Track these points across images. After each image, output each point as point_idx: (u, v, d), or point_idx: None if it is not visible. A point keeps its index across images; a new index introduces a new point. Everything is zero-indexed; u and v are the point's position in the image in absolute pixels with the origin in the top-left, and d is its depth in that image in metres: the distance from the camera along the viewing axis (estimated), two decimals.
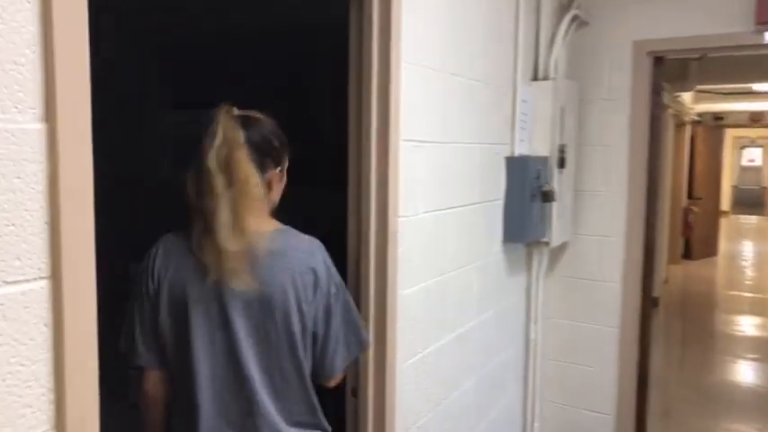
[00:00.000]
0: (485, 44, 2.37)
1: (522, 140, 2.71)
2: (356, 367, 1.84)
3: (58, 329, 0.93)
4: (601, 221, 3.10)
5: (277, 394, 1.40)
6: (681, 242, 9.45)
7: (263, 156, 1.41)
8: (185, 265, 1.38)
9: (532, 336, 3.01)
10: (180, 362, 1.39)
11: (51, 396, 0.94)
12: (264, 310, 1.36)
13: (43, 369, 0.93)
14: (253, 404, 1.37)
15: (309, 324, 1.40)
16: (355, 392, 1.86)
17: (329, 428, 1.51)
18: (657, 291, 6.08)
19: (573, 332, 3.19)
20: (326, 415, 1.49)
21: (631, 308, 3.07)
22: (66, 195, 0.92)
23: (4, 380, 0.88)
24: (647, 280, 3.12)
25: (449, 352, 2.23)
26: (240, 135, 1.35)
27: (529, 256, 2.96)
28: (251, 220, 1.33)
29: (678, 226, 8.93)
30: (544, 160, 2.77)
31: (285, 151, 1.48)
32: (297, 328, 1.37)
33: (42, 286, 0.91)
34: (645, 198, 3.04)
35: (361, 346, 1.52)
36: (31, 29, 0.89)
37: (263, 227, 1.40)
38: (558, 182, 2.84)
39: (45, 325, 0.92)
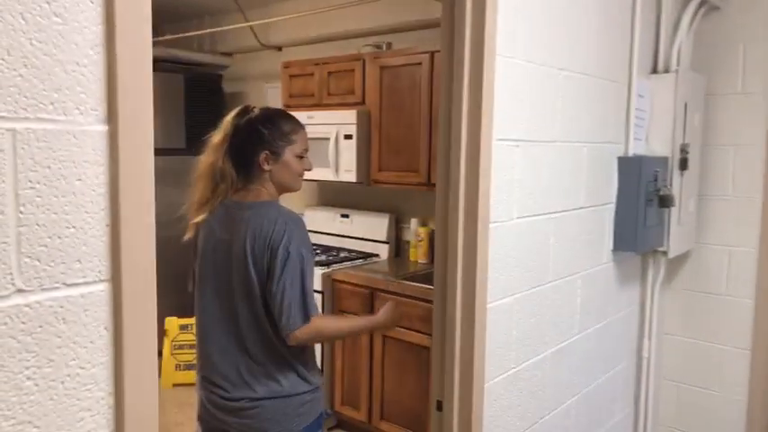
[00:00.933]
0: (596, 33, 2.17)
1: (637, 139, 2.47)
2: (441, 380, 1.74)
3: (117, 333, 0.92)
4: (730, 230, 2.77)
5: (235, 332, 1.74)
6: None
7: (249, 141, 1.75)
8: None
9: (645, 353, 2.74)
10: None
11: (111, 400, 0.93)
12: (227, 256, 1.73)
13: (103, 372, 0.92)
14: (209, 339, 1.79)
15: (263, 277, 1.68)
16: (440, 406, 1.76)
17: (309, 378, 1.76)
18: None
19: (693, 351, 2.88)
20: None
21: (767, 327, 2.72)
22: (126, 198, 0.91)
23: (62, 382, 0.88)
24: None
25: (547, 368, 2.07)
26: (226, 126, 1.77)
27: (644, 267, 2.70)
28: (196, 191, 1.81)
29: None
30: (663, 161, 2.51)
31: (278, 137, 1.75)
32: (253, 274, 1.68)
33: (102, 289, 0.91)
34: None
35: (297, 318, 1.67)
36: (95, 29, 0.88)
37: (247, 198, 1.76)
38: (679, 185, 2.56)
39: (105, 328, 0.92)
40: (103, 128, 0.89)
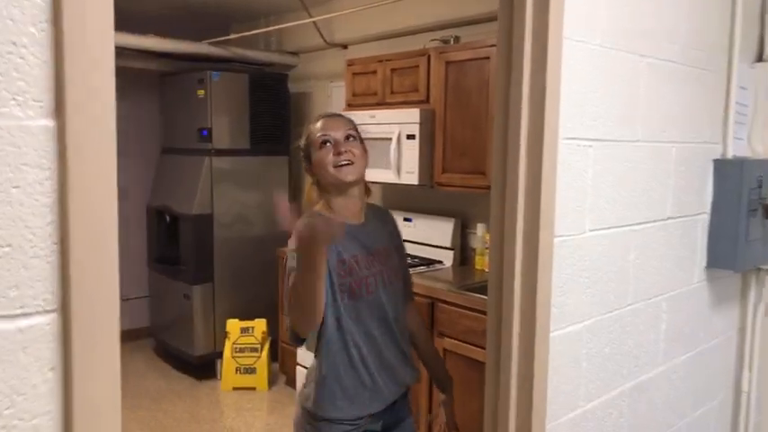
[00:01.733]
0: (688, 14, 1.86)
1: (738, 139, 2.12)
2: (494, 420, 1.50)
3: (67, 375, 0.75)
4: None
5: None
6: None
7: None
8: None
9: (745, 387, 2.37)
10: None
11: None
12: None
13: (48, 424, 0.75)
14: None
15: None
16: None
17: (315, 405, 1.66)
18: None
19: None
20: None
21: None
22: (80, 209, 0.74)
23: None
24: None
25: (624, 406, 1.77)
26: None
27: (744, 287, 2.33)
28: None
29: None
30: None
31: (303, 146, 1.72)
32: None
33: (48, 322, 0.74)
34: None
35: None
36: (38, 1, 0.71)
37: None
38: None
39: (51, 369, 0.75)
40: (49, 123, 0.73)
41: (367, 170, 1.74)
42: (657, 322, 1.88)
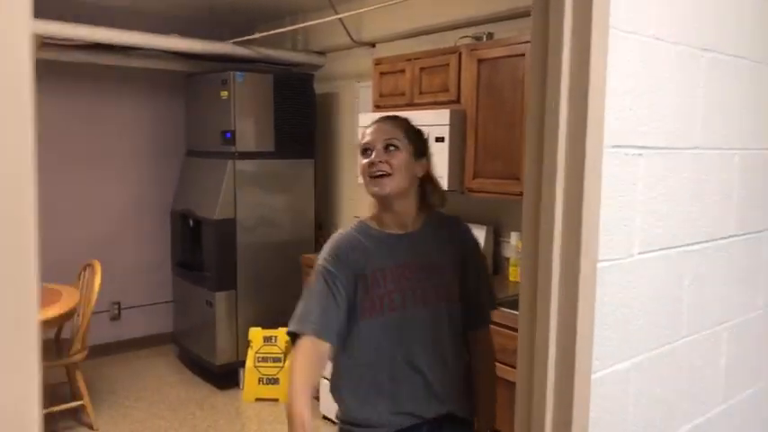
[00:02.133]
0: (757, 2, 1.61)
1: None
2: None
3: None
4: None
5: None
6: None
7: None
8: None
9: None
10: None
11: None
12: None
13: None
14: None
15: None
16: None
17: (350, 409, 1.61)
18: None
19: None
20: None
21: None
22: None
23: None
24: None
25: None
26: None
27: None
28: None
29: None
30: None
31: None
32: None
33: None
34: None
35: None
36: None
37: None
38: None
39: None
40: None
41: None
42: (716, 356, 1.64)
